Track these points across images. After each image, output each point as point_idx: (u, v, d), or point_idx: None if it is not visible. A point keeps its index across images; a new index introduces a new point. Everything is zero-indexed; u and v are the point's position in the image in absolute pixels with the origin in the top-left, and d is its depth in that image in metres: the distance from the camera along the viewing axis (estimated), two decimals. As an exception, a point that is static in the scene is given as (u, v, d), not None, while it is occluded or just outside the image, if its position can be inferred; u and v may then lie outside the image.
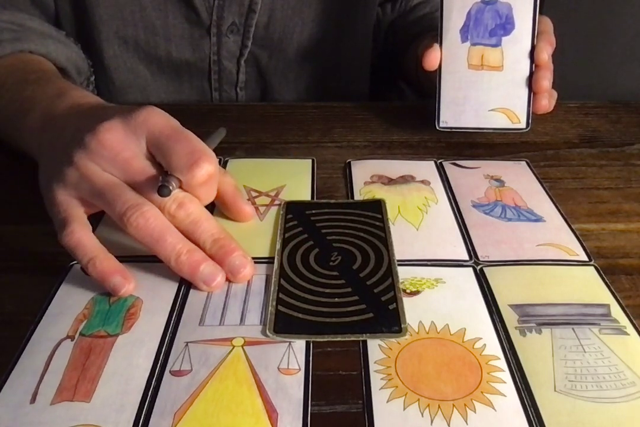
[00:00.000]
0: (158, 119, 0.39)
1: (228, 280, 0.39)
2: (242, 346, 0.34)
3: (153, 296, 0.38)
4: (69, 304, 0.37)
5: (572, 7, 0.92)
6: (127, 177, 0.38)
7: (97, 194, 0.38)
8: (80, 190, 0.39)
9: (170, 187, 0.37)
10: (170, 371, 0.32)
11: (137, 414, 0.30)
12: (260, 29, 0.68)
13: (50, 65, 0.57)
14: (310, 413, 0.30)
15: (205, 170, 0.37)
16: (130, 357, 0.33)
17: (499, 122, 0.55)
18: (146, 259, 0.40)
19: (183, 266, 0.37)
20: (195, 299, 0.38)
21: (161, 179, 0.37)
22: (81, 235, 0.37)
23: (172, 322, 0.36)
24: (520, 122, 0.55)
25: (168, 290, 0.38)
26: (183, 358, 0.33)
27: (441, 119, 0.56)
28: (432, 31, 0.55)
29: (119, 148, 0.38)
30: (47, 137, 0.44)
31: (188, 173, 0.37)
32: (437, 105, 0.56)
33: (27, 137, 0.47)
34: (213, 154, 0.39)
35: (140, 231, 0.37)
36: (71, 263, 0.40)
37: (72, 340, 0.34)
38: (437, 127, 0.56)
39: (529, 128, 0.55)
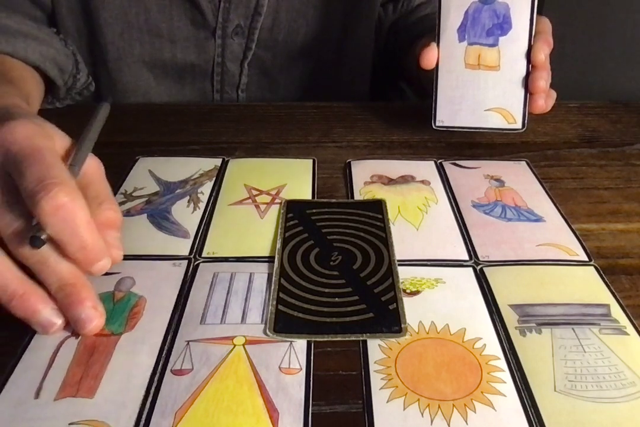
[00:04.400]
0: (18, 138, 0.34)
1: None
2: (243, 345, 0.34)
3: (156, 295, 0.38)
4: None
5: (572, 7, 0.91)
6: None
7: None
8: None
9: (43, 237, 0.32)
10: (171, 370, 0.32)
11: (139, 411, 0.30)
12: (265, 31, 0.68)
13: (12, 64, 0.55)
14: (311, 413, 0.30)
15: (53, 201, 0.32)
16: (133, 355, 0.33)
17: (495, 122, 0.55)
18: (149, 257, 0.40)
19: (16, 311, 0.33)
20: (196, 297, 0.38)
21: (33, 228, 0.33)
22: None
23: (174, 320, 0.36)
24: (516, 122, 0.55)
25: (171, 288, 0.38)
26: (184, 357, 0.33)
27: (437, 118, 0.56)
28: (433, 32, 0.55)
29: None
30: None
31: (33, 200, 0.32)
32: (433, 104, 0.56)
33: None
34: (70, 182, 0.33)
35: None
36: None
37: (76, 338, 0.34)
38: (433, 126, 0.56)
39: (524, 128, 0.55)
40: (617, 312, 0.37)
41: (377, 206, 0.47)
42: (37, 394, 0.31)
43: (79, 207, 0.33)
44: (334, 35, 0.72)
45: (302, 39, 0.71)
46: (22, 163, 0.33)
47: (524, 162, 0.55)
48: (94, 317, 0.34)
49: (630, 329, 0.35)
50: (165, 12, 0.65)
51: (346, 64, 0.75)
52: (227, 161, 0.54)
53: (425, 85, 0.66)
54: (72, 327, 0.34)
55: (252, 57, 0.70)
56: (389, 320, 0.36)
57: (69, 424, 0.29)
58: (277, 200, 0.48)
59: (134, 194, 0.48)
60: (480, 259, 0.41)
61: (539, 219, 0.46)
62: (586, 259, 0.42)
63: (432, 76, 0.56)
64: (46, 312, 0.33)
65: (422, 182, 0.51)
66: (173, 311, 0.36)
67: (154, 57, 0.68)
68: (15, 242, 0.33)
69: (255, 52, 0.70)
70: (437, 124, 0.56)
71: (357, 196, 0.49)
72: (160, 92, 0.71)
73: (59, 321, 0.34)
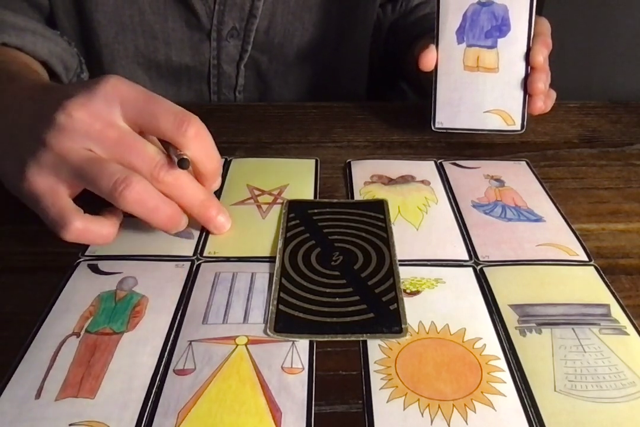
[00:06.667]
0: (127, 86, 0.39)
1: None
2: (245, 345, 0.34)
3: (159, 295, 0.38)
4: (75, 301, 0.37)
5: (572, 7, 0.92)
6: (105, 149, 0.37)
7: (78, 173, 0.37)
8: (60, 173, 0.37)
9: (186, 157, 0.38)
10: (174, 370, 0.32)
11: (140, 411, 0.30)
12: (261, 33, 0.68)
13: (23, 57, 0.55)
14: (314, 413, 0.30)
15: (195, 127, 0.39)
16: (135, 355, 0.33)
17: (494, 123, 0.55)
18: (152, 258, 0.41)
19: (168, 228, 0.40)
20: (198, 297, 0.38)
21: (172, 151, 0.38)
22: (86, 226, 0.38)
23: (176, 320, 0.36)
24: (515, 124, 0.55)
25: (174, 288, 0.38)
26: (187, 357, 0.33)
27: (436, 119, 0.56)
28: (432, 32, 0.55)
29: (91, 120, 0.37)
30: None
31: (178, 131, 0.38)
32: (432, 106, 0.56)
33: None
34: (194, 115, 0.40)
35: (133, 205, 0.37)
36: (78, 261, 0.40)
37: (77, 337, 0.34)
38: (433, 128, 0.56)
39: (523, 130, 0.55)
40: (617, 312, 0.37)
41: (379, 206, 0.47)
42: (38, 394, 0.31)
43: (208, 132, 0.41)
44: (331, 38, 0.72)
45: (298, 42, 0.70)
46: (149, 106, 0.39)
47: (524, 162, 0.55)
48: (229, 221, 0.43)
49: (630, 329, 0.36)
50: (159, 14, 0.65)
51: (343, 66, 0.75)
52: (230, 161, 0.54)
53: (425, 85, 0.66)
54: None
55: (248, 59, 0.70)
56: (390, 320, 0.36)
57: (70, 424, 0.29)
58: (279, 201, 0.48)
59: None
60: (480, 259, 0.42)
61: (539, 219, 0.46)
62: (586, 259, 0.42)
63: (431, 77, 0.56)
64: (184, 222, 0.41)
65: (422, 182, 0.51)
66: (175, 310, 0.36)
67: (149, 58, 0.68)
68: (162, 172, 0.38)
69: (252, 54, 0.70)
70: (437, 125, 0.56)
71: (357, 196, 0.49)
72: (156, 93, 0.71)
73: (186, 225, 0.42)
